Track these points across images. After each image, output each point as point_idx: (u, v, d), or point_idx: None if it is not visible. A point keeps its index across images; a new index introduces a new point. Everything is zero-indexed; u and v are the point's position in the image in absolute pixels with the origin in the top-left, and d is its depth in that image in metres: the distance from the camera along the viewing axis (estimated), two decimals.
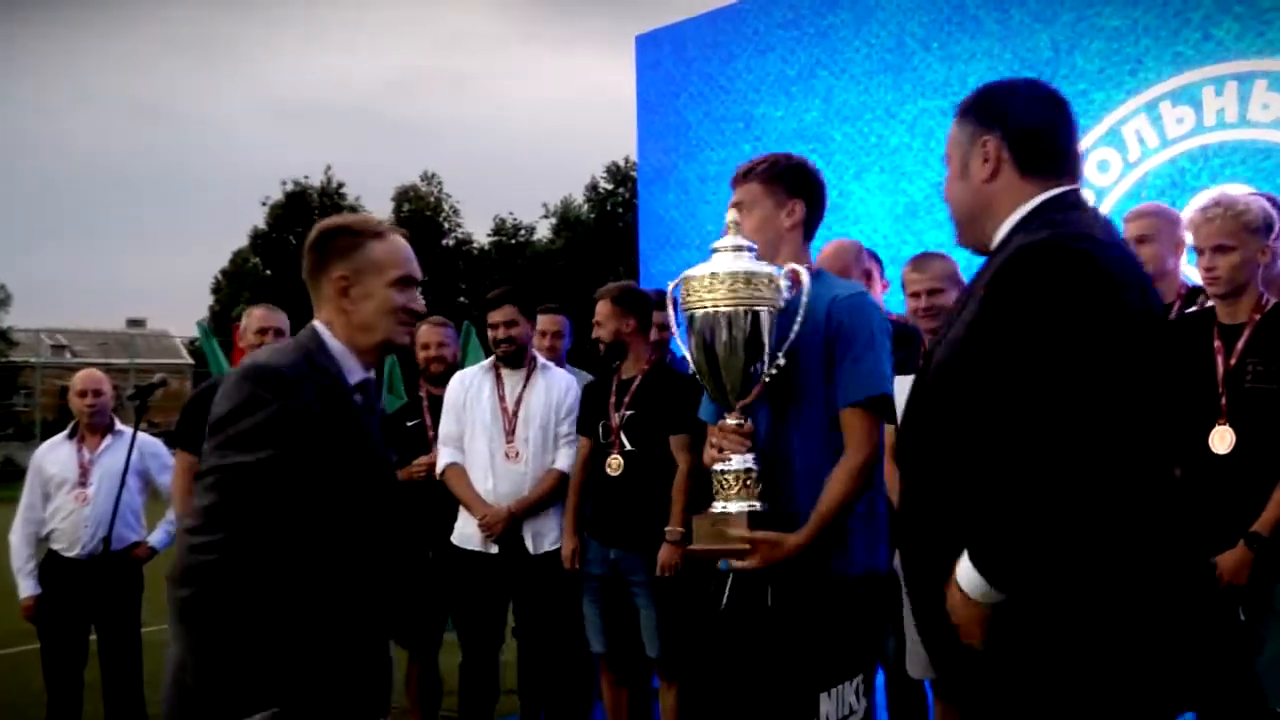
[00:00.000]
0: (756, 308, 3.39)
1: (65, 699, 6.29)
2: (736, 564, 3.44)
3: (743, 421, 3.50)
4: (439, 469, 5.90)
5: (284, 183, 54.40)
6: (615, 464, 5.52)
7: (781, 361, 3.43)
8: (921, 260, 5.17)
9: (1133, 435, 2.38)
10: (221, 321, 40.78)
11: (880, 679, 4.99)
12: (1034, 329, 2.38)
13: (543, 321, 6.45)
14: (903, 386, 5.01)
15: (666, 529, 5.23)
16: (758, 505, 3.42)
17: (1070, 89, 6.15)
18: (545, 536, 5.77)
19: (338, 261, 3.14)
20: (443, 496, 5.97)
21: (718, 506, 3.45)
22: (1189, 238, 4.39)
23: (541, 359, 6.14)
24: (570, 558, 5.57)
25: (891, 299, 5.86)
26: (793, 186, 3.79)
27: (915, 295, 5.04)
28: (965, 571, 2.47)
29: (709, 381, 3.54)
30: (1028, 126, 2.74)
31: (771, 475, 3.52)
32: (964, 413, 2.57)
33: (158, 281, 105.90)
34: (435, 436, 6.15)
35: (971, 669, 2.61)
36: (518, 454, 5.82)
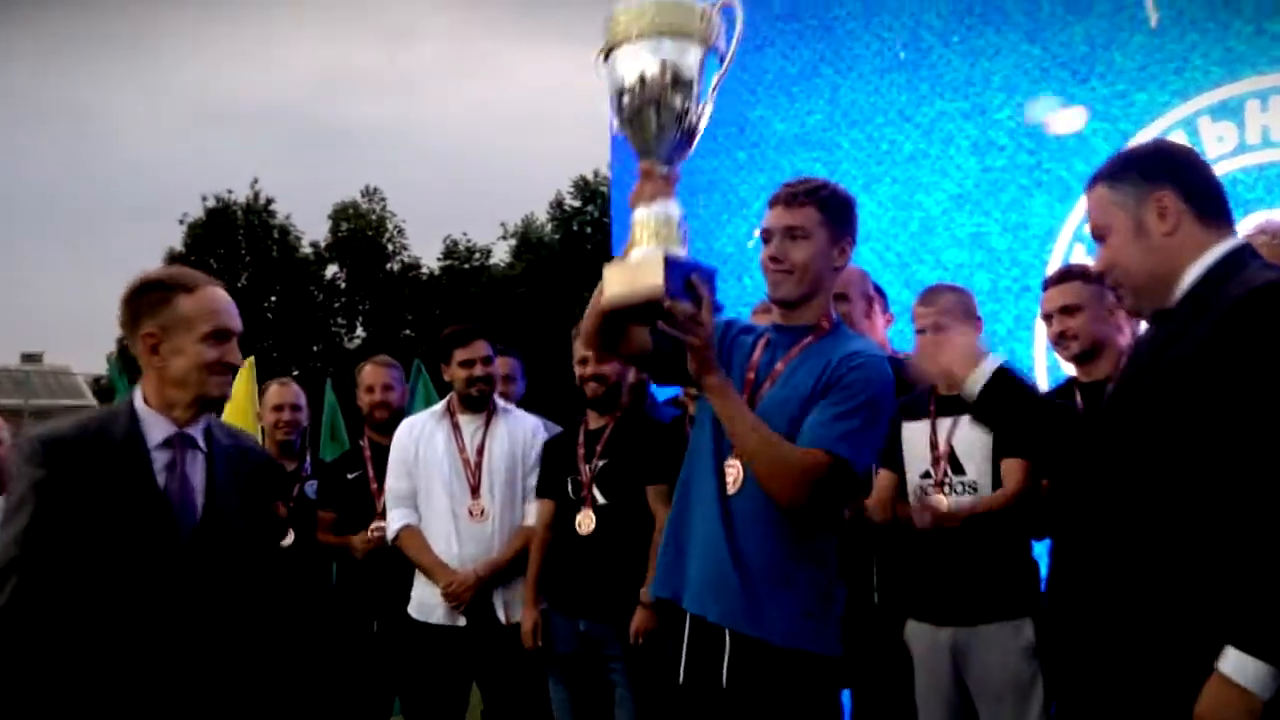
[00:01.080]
0: (685, 39, 3.46)
1: None
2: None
3: (668, 169, 3.57)
4: (390, 534, 5.89)
5: (204, 198, 54.27)
6: (587, 522, 5.51)
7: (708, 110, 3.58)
8: (932, 293, 5.28)
9: None
10: (133, 356, 40.77)
11: None
12: None
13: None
14: (912, 435, 5.12)
15: (642, 590, 5.22)
16: (675, 250, 3.49)
17: (1107, 89, 6.22)
18: (518, 605, 5.75)
19: (147, 319, 3.46)
20: (389, 561, 5.96)
21: (633, 254, 3.53)
22: None
23: (501, 401, 6.17)
24: (531, 633, 5.56)
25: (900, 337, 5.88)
26: (848, 222, 3.89)
27: (923, 331, 5.07)
28: (1239, 663, 2.55)
29: (628, 127, 3.60)
30: (1198, 176, 3.04)
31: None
32: (1202, 474, 2.73)
33: (57, 310, 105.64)
34: (379, 490, 6.18)
35: None
36: (483, 511, 5.82)
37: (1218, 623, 2.65)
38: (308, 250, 53.70)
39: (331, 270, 52.62)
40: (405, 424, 6.23)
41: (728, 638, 3.65)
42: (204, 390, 3.48)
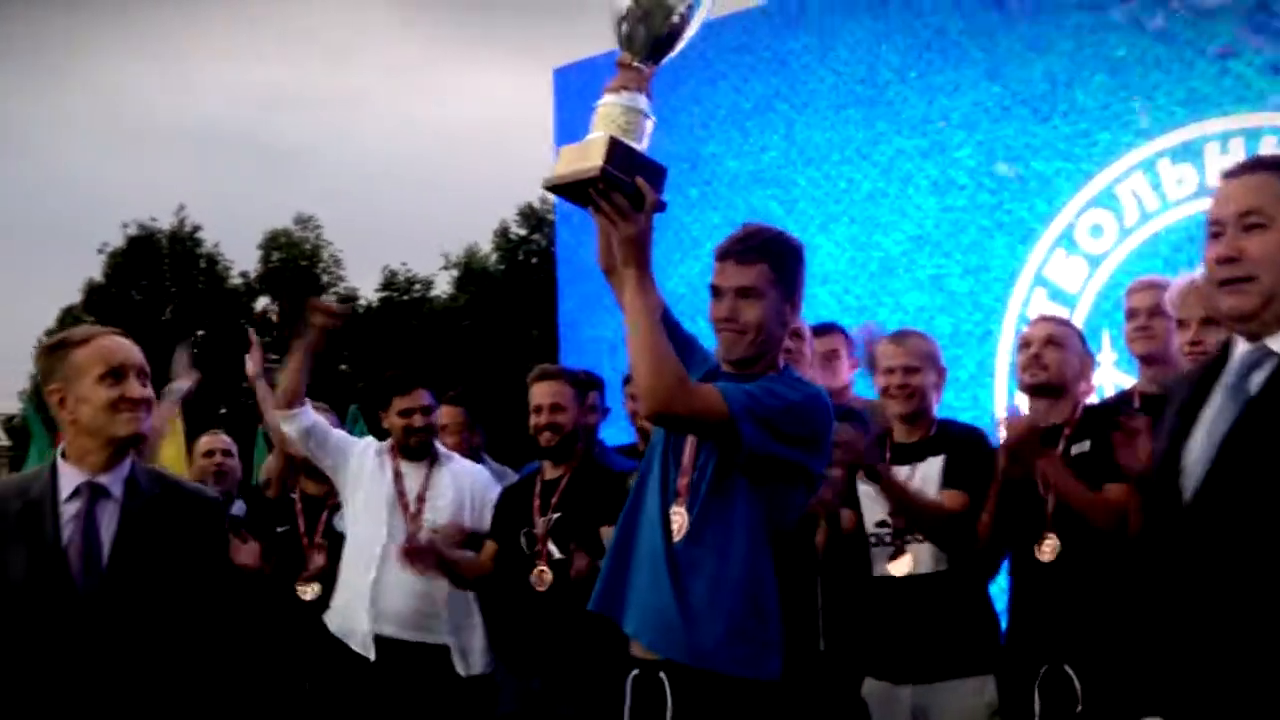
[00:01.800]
0: None
1: None
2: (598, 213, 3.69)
3: (644, 66, 3.71)
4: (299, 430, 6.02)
5: (125, 225, 53.87)
6: (545, 578, 5.55)
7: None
8: (900, 336, 5.39)
9: None
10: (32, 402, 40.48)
11: None
12: None
13: (443, 413, 6.52)
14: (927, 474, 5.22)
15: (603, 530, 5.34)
16: (631, 141, 3.62)
17: (1069, 128, 6.35)
18: (475, 655, 5.84)
19: (50, 380, 3.71)
20: (320, 619, 6.00)
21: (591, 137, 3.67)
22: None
23: (443, 449, 6.24)
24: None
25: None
26: (798, 275, 4.04)
27: (890, 372, 5.21)
28: None
29: (619, 27, 3.74)
30: None
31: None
32: None
33: None
34: (310, 544, 6.26)
35: None
36: None
37: None
38: (237, 281, 53.55)
39: (263, 302, 52.54)
40: (365, 441, 6.33)
41: (668, 690, 3.78)
42: (112, 430, 3.64)
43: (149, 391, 3.80)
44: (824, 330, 5.96)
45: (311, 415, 6.07)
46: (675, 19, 3.72)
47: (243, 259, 51.97)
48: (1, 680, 3.58)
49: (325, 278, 51.96)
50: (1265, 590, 2.79)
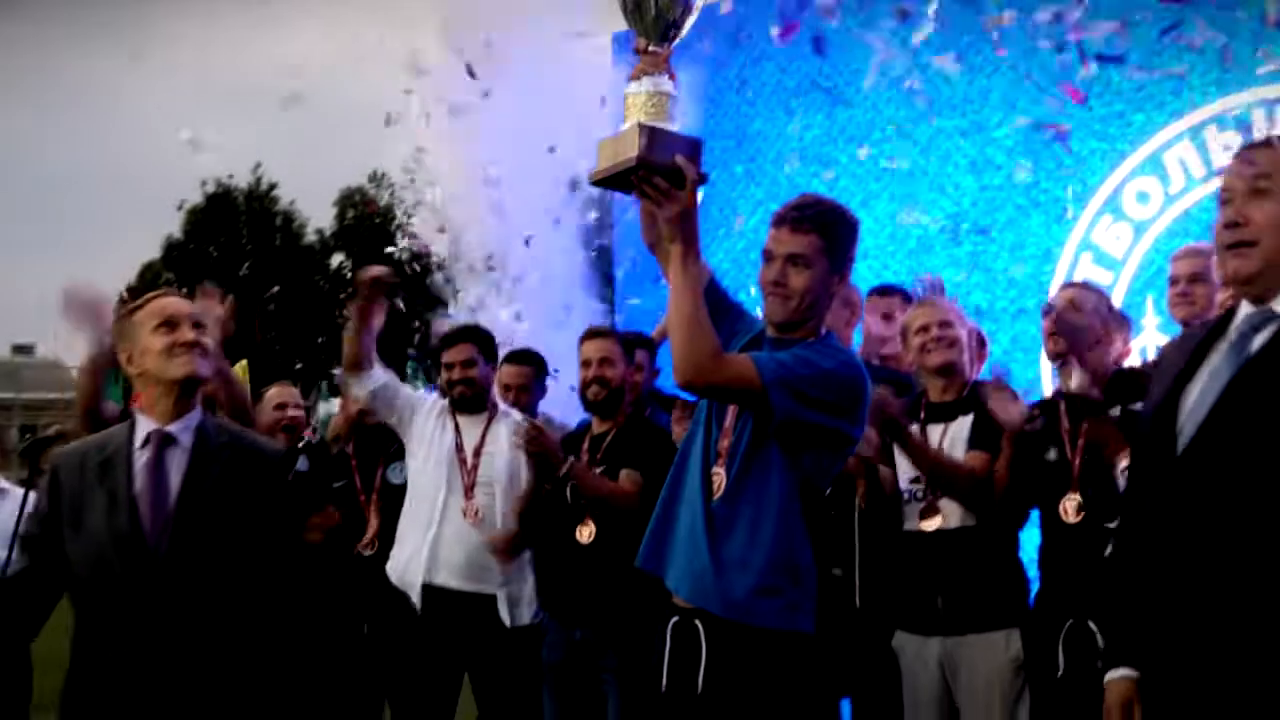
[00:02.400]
0: None
1: None
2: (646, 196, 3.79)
3: (660, 49, 3.85)
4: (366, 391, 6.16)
5: (204, 183, 54.15)
6: (587, 532, 5.65)
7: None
8: (924, 299, 5.63)
9: None
10: None
11: None
12: None
13: (505, 373, 6.57)
14: (957, 433, 5.32)
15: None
16: (661, 124, 3.76)
17: (1105, 110, 6.42)
18: (522, 606, 5.95)
19: (120, 344, 4.04)
20: (380, 566, 6.14)
21: (622, 128, 3.82)
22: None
23: (503, 405, 6.31)
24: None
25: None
26: (849, 248, 4.14)
27: (923, 329, 5.36)
28: None
29: (632, 15, 3.89)
30: None
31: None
32: None
33: (50, 297, 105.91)
34: (367, 501, 6.42)
35: None
36: (478, 514, 5.96)
37: None
38: (313, 238, 53.82)
39: (338, 259, 52.69)
40: (433, 399, 6.41)
41: (703, 638, 3.90)
42: (170, 373, 3.85)
43: (202, 336, 3.96)
44: (885, 291, 6.09)
45: (379, 376, 6.12)
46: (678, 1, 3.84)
47: (318, 216, 52.16)
48: (80, 619, 3.81)
49: (400, 233, 52.03)
50: (1253, 538, 2.95)
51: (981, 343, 5.60)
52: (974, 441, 5.25)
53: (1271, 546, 2.94)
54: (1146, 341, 6.47)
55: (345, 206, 53.50)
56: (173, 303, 3.99)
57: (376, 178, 51.57)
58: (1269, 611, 2.93)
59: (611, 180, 3.90)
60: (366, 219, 51.13)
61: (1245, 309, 3.12)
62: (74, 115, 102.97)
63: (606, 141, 3.87)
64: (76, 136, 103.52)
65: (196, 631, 3.74)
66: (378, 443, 6.59)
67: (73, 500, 3.82)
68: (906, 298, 6.10)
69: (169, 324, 3.88)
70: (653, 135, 3.71)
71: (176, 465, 3.85)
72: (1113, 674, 3.28)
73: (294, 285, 48.31)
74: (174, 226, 54.12)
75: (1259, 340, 3.04)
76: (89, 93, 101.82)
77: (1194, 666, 3.05)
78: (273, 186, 53.92)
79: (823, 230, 4.02)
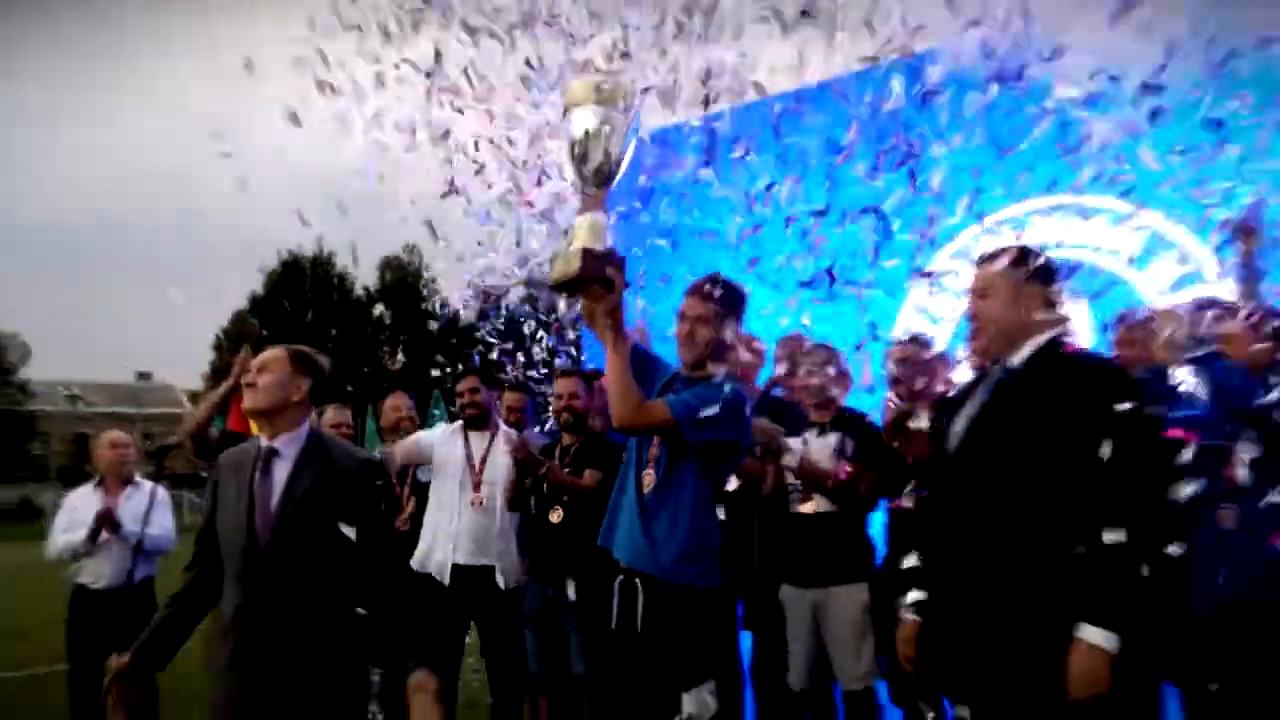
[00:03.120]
0: (611, 107, 3.82)
1: (86, 715, 6.57)
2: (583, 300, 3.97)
3: (595, 192, 3.89)
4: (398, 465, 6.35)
5: (279, 252, 54.49)
6: (556, 516, 5.87)
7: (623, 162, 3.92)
8: (809, 349, 5.78)
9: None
10: (221, 377, 40.80)
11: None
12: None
13: (508, 399, 6.77)
14: (824, 445, 5.44)
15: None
16: (596, 244, 3.84)
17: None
18: (511, 573, 6.05)
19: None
20: (409, 542, 6.22)
21: (570, 249, 3.90)
22: None
23: (503, 425, 6.41)
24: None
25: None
26: (739, 309, 4.28)
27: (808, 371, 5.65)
28: (1098, 635, 3.02)
29: (575, 164, 3.92)
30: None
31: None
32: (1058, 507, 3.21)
33: (164, 335, 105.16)
34: (402, 492, 6.50)
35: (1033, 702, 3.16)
36: (482, 503, 6.07)
37: (1067, 607, 3.11)
38: (360, 294, 53.83)
39: (379, 310, 52.66)
40: (442, 427, 6.57)
41: (640, 592, 4.01)
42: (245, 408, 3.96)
43: (259, 379, 3.87)
44: (785, 342, 6.13)
45: (397, 456, 6.38)
46: (608, 153, 3.88)
47: (364, 275, 52.46)
48: (213, 576, 3.79)
49: (425, 291, 52.02)
50: (995, 501, 3.30)
51: (846, 378, 5.71)
52: (841, 454, 5.39)
53: (1006, 506, 3.27)
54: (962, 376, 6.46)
55: (384, 270, 53.59)
56: (276, 352, 3.97)
57: (408, 248, 51.52)
58: (1007, 549, 3.26)
59: (562, 286, 3.97)
60: (403, 279, 51.15)
61: (994, 368, 3.51)
62: (180, 182, 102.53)
63: (558, 256, 3.95)
64: (178, 198, 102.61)
65: (293, 597, 3.69)
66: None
67: (223, 488, 3.85)
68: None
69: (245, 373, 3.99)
70: (591, 256, 3.81)
71: (281, 470, 3.81)
72: (910, 596, 3.68)
73: (346, 330, 48.28)
74: (257, 284, 54.31)
75: (1001, 376, 3.45)
76: (200, 166, 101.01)
77: (964, 586, 3.38)
78: (331, 254, 54.00)
79: (719, 299, 4.17)
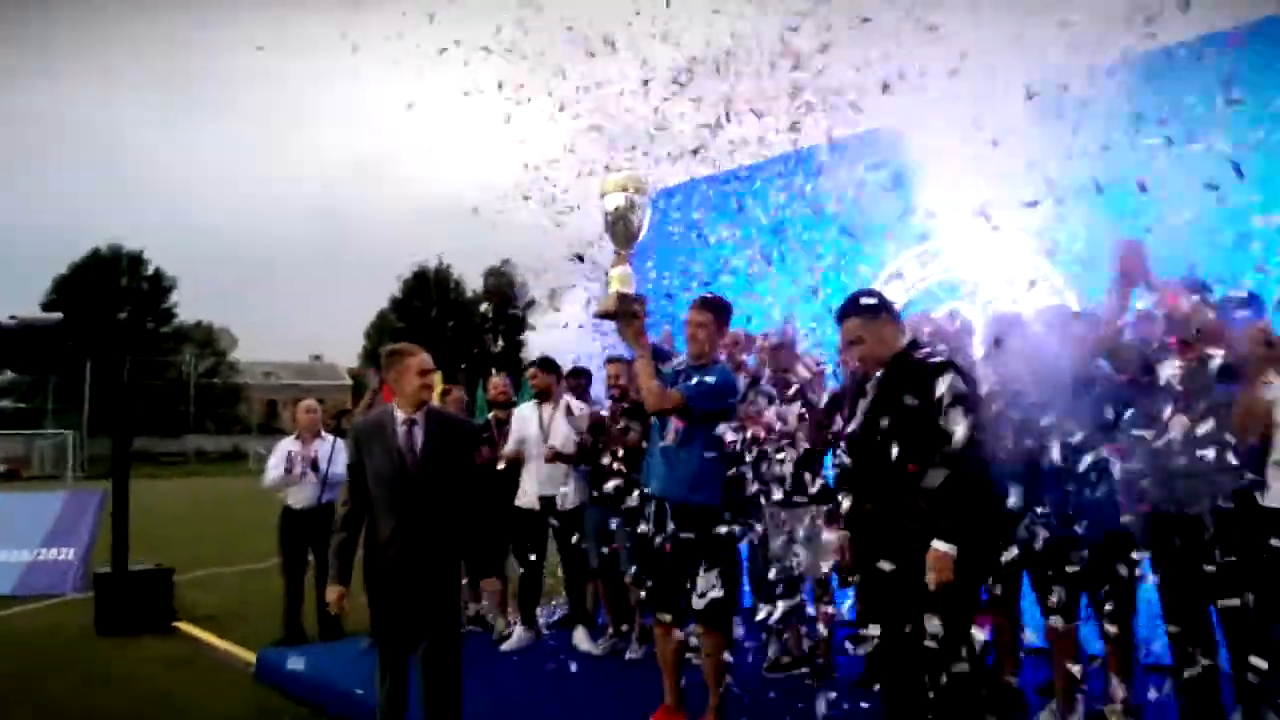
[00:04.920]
0: (636, 193, 4.06)
1: (293, 595, 6.91)
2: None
3: (626, 252, 4.10)
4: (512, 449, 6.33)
5: (413, 264, 55.18)
6: (608, 459, 5.76)
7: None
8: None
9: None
10: (371, 361, 41.48)
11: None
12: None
13: (568, 383, 6.65)
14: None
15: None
16: (625, 289, 4.07)
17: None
18: (570, 500, 6.12)
19: (389, 370, 4.08)
20: (509, 479, 6.32)
21: (608, 291, 4.15)
22: None
23: (566, 396, 6.42)
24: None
25: None
26: (727, 316, 4.48)
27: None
28: (944, 546, 3.22)
29: (609, 231, 4.11)
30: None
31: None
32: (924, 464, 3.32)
33: (330, 326, 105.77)
34: (499, 445, 6.53)
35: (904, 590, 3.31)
36: (549, 456, 6.07)
37: (930, 529, 3.27)
38: (470, 296, 54.26)
39: (484, 307, 52.96)
40: (522, 406, 6.57)
41: (667, 507, 4.22)
42: (421, 398, 4.04)
43: (429, 381, 4.11)
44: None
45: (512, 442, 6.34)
46: (633, 224, 4.08)
47: (473, 282, 52.81)
48: (370, 516, 4.03)
49: (516, 295, 52.31)
50: (885, 462, 3.40)
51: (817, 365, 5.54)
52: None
53: (889, 463, 3.39)
54: None
55: (487, 277, 53.89)
56: (426, 360, 4.11)
57: (504, 261, 51.65)
58: (891, 491, 3.40)
59: (603, 316, 4.24)
60: (499, 287, 51.35)
61: (875, 374, 3.61)
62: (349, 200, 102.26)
63: (603, 299, 4.19)
64: (351, 210, 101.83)
65: (434, 516, 3.98)
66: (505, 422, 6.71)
67: (367, 447, 4.03)
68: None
69: (423, 373, 4.06)
70: (622, 298, 4.09)
71: (418, 433, 4.02)
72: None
73: (460, 323, 48.71)
74: (395, 289, 54.92)
75: (881, 380, 3.54)
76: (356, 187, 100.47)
77: (869, 515, 3.52)
78: (449, 265, 54.55)
79: (713, 310, 4.40)
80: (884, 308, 3.62)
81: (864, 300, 3.63)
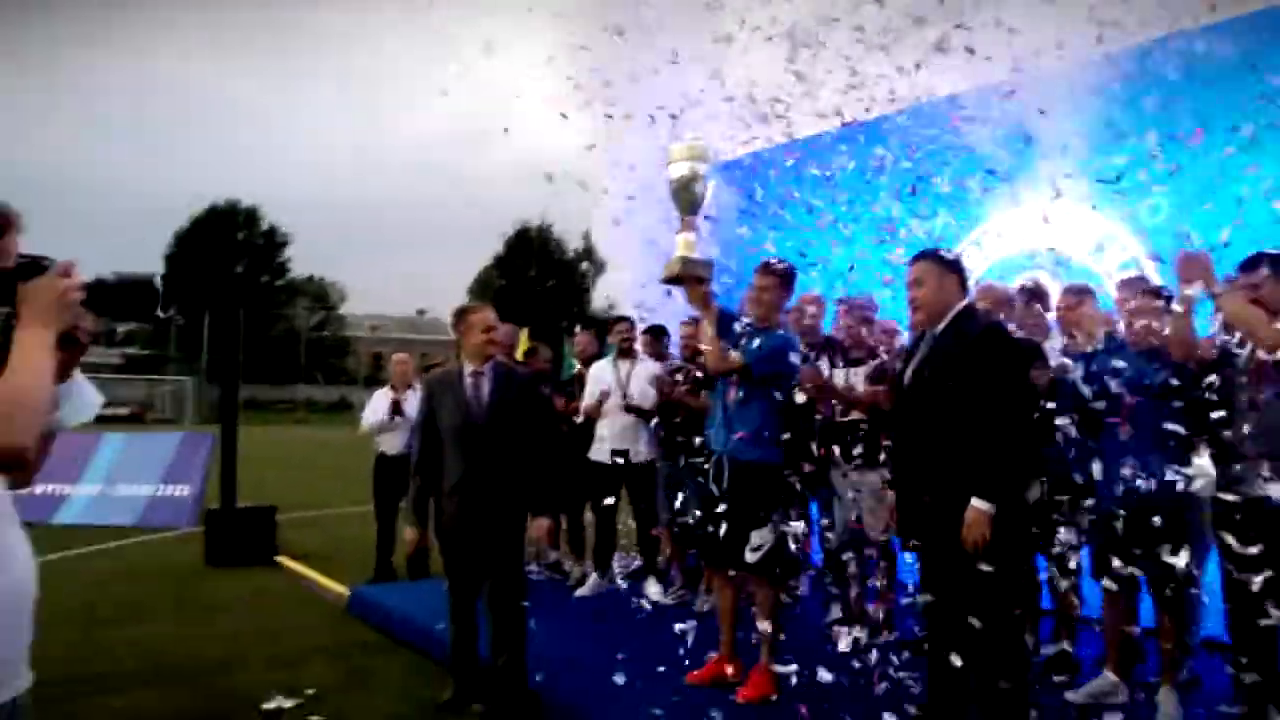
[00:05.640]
0: (699, 161, 4.11)
1: (385, 536, 7.34)
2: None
3: (691, 218, 4.15)
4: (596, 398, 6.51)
5: (516, 223, 55.82)
6: (679, 417, 6.02)
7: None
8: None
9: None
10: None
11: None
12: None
13: (642, 339, 6.74)
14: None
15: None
16: (690, 254, 4.15)
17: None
18: (642, 453, 6.35)
19: (458, 327, 4.36)
20: (585, 430, 6.56)
21: (673, 256, 4.22)
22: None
23: (641, 354, 6.64)
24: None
25: None
26: (792, 283, 4.56)
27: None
28: (980, 504, 3.30)
29: (675, 198, 4.16)
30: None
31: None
32: (971, 419, 3.38)
33: (436, 283, 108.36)
34: (578, 399, 6.76)
35: (950, 546, 3.39)
36: (627, 411, 6.35)
37: (972, 487, 3.34)
38: (571, 254, 54.81)
39: (584, 265, 53.50)
40: (601, 362, 6.74)
41: (726, 465, 4.33)
42: (487, 352, 4.31)
43: (495, 336, 4.38)
44: (842, 301, 5.85)
45: (589, 396, 6.54)
46: (696, 192, 4.14)
47: (573, 240, 53.33)
48: (438, 462, 4.31)
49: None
50: (933, 421, 3.49)
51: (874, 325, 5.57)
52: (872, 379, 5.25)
53: (937, 423, 3.46)
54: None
55: (586, 236, 54.30)
56: (490, 316, 4.38)
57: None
58: (938, 449, 3.47)
59: (669, 280, 4.31)
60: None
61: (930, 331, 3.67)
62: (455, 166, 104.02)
63: (670, 261, 4.25)
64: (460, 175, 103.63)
65: (498, 462, 4.22)
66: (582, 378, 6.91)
67: (439, 398, 4.32)
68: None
69: (487, 330, 4.33)
70: (688, 262, 4.18)
71: (485, 385, 4.30)
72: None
73: (560, 281, 49.37)
74: (499, 246, 55.78)
75: (934, 336, 3.61)
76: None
77: (917, 473, 3.58)
78: (550, 225, 55.03)
79: (777, 275, 4.46)
80: (956, 264, 3.69)
81: (940, 251, 3.75)
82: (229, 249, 55.15)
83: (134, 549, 9.02)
